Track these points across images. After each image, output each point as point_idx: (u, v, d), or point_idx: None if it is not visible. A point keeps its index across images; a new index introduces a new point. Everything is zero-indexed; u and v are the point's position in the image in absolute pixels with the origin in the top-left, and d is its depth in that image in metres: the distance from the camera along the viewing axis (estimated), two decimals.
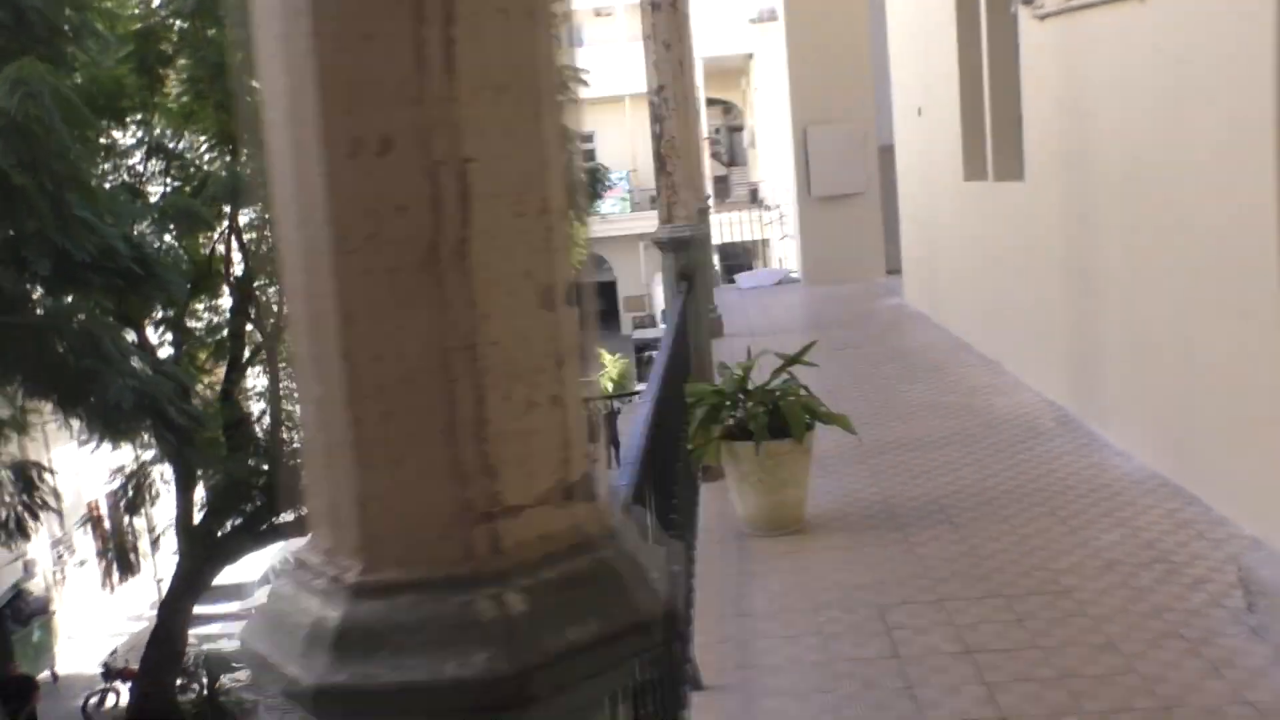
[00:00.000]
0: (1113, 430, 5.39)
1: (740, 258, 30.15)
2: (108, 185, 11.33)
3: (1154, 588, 3.69)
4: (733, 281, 13.56)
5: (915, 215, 9.78)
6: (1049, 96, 5.96)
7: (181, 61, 11.48)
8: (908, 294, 10.26)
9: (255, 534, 12.46)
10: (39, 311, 8.10)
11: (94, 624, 15.55)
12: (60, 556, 13.35)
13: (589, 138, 34.02)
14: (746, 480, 4.52)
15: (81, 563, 12.83)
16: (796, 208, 12.49)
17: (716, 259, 30.23)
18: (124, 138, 11.87)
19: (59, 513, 9.65)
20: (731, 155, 32.39)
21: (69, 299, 8.06)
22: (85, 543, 15.53)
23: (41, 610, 14.51)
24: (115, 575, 13.63)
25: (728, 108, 32.28)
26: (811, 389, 7.01)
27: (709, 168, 30.56)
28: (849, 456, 5.51)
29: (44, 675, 14.33)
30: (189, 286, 12.11)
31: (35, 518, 9.04)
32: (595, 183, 13.16)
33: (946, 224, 8.60)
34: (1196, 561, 3.86)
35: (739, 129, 31.86)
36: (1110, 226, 5.26)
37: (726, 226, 30.23)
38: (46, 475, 9.39)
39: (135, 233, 8.93)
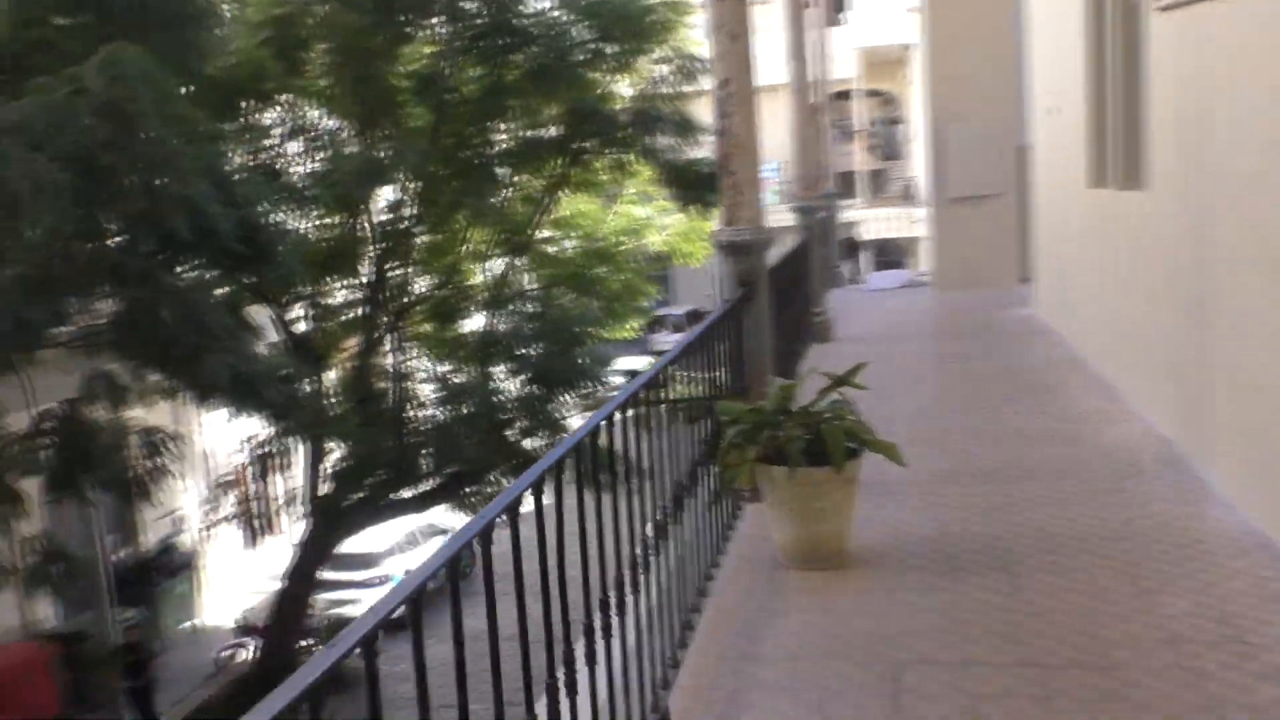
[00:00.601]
0: (1218, 476, 4.75)
1: (893, 254, 29.20)
2: (247, 166, 11.70)
3: (1217, 673, 3.15)
4: (862, 282, 13.00)
5: (1046, 221, 9.06)
6: (1172, 98, 5.30)
7: (320, 46, 11.71)
8: (1036, 305, 9.54)
9: (377, 507, 12.68)
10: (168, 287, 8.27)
11: (236, 580, 16.20)
12: (207, 514, 13.91)
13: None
14: (782, 507, 4.14)
15: (213, 525, 13.30)
16: (931, 207, 11.84)
17: (866, 256, 29.41)
18: (265, 119, 12.19)
19: (175, 477, 9.93)
20: (889, 149, 31.32)
21: (205, 276, 8.26)
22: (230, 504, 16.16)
23: (188, 565, 15.18)
24: (256, 536, 14.13)
25: (886, 99, 31.21)
26: (902, 404, 6.56)
27: (861, 160, 29.66)
28: (915, 484, 5.04)
29: (186, 626, 15.01)
30: (322, 265, 12.41)
31: (156, 482, 9.32)
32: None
33: (1072, 232, 7.90)
34: (1277, 647, 3.29)
35: (897, 122, 30.77)
36: (1228, 248, 4.61)
37: (879, 223, 29.37)
38: (173, 441, 9.65)
39: (261, 213, 9.05)
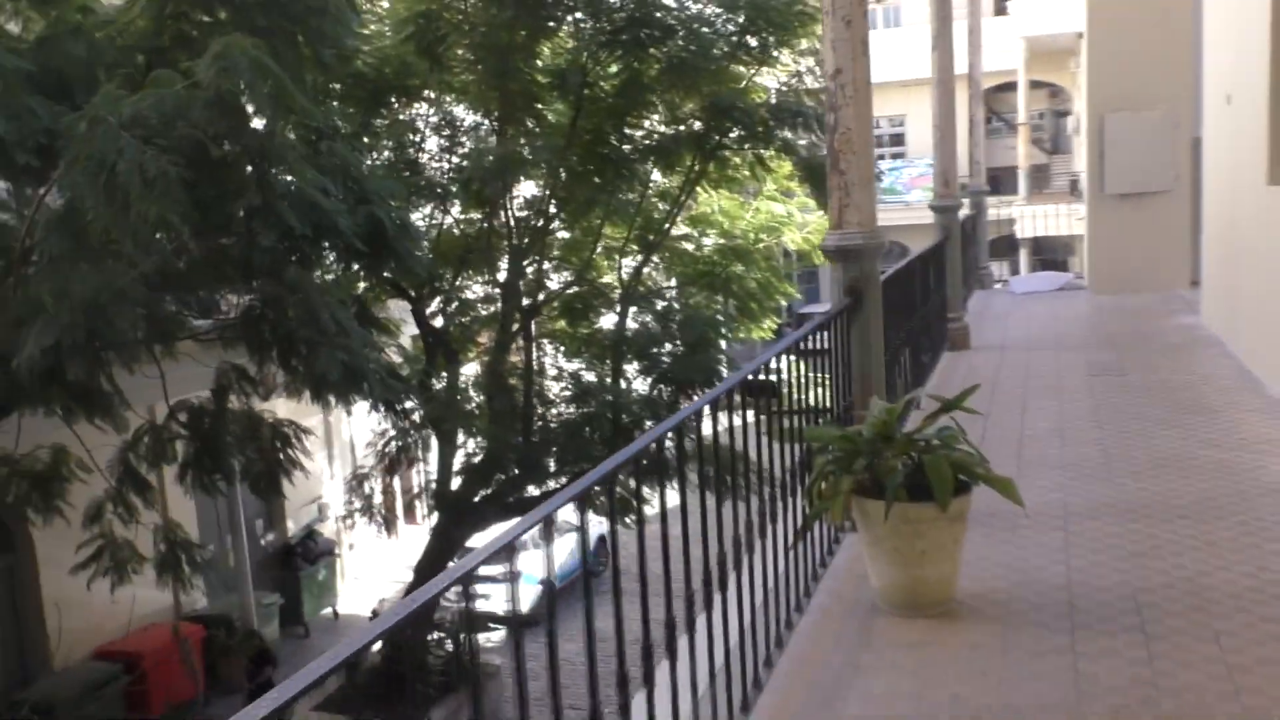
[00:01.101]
0: None
1: (1056, 253, 27.65)
2: (387, 162, 11.75)
3: None
4: (1008, 284, 12.12)
5: (1217, 220, 8.15)
6: None
7: (463, 42, 11.64)
8: (1204, 312, 8.61)
9: (504, 504, 12.58)
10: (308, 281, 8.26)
11: (375, 569, 16.46)
12: (350, 502, 14.13)
13: (899, 121, 32.42)
14: (879, 546, 3.65)
15: (349, 516, 13.47)
16: (1087, 204, 10.91)
17: (1024, 254, 27.94)
18: (412, 115, 12.22)
19: (304, 469, 10.00)
20: (1055, 142, 29.70)
21: (324, 271, 8.26)
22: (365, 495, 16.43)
23: (328, 551, 15.48)
24: (390, 527, 14.26)
25: (1054, 91, 29.60)
26: (1037, 422, 5.91)
27: (1023, 154, 28.21)
28: (1042, 519, 4.44)
29: (326, 612, 15.31)
30: (459, 260, 12.39)
31: (287, 474, 9.39)
32: None
33: (1247, 234, 7.03)
34: None
35: (1065, 114, 29.14)
36: None
37: (1041, 219, 27.84)
38: (305, 434, 9.71)
39: (395, 208, 9.01)
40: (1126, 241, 10.35)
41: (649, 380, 11.95)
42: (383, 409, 9.22)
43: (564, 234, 13.18)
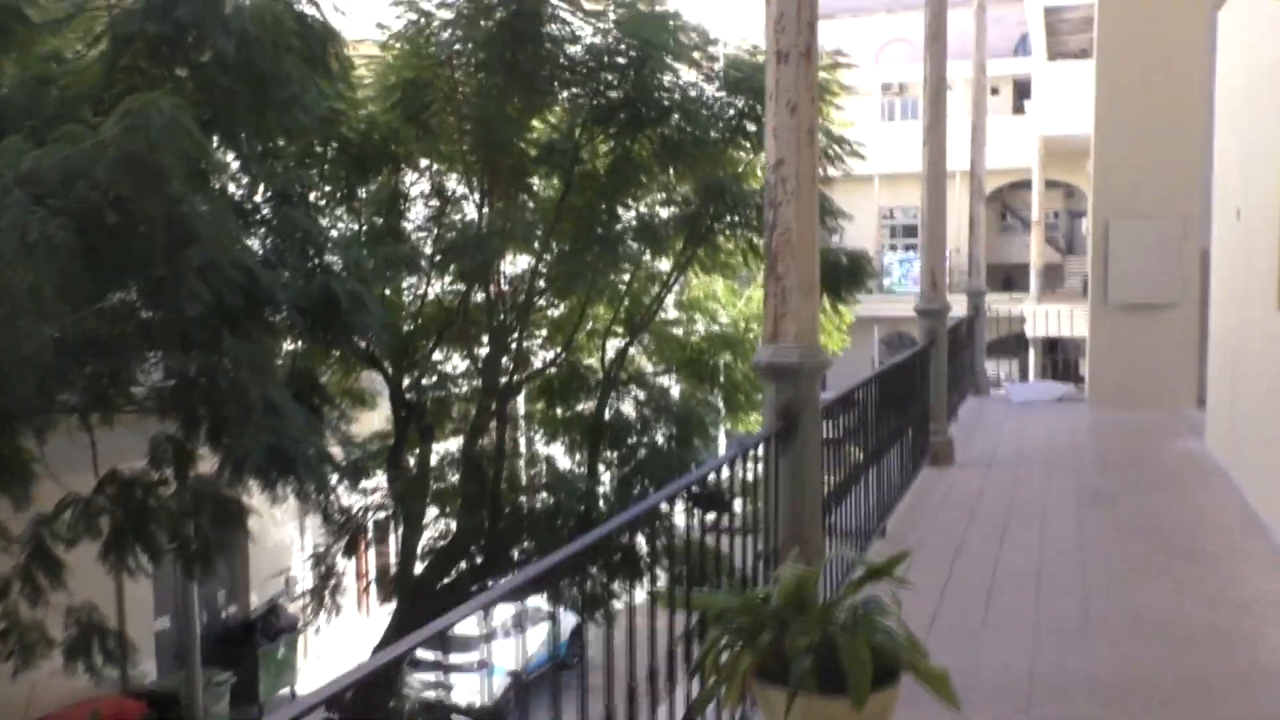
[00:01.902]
0: None
1: (1069, 352, 26.92)
2: (373, 229, 11.23)
3: None
4: (1003, 389, 11.40)
5: (1225, 340, 7.47)
6: None
7: (451, 111, 11.21)
8: (1209, 437, 7.89)
9: (465, 595, 11.85)
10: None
11: (339, 648, 15.64)
12: (314, 579, 13.36)
13: (913, 213, 32.03)
14: None
15: (310, 593, 12.72)
16: (1090, 313, 10.25)
17: (1033, 353, 27.24)
18: (395, 182, 11.75)
19: (238, 549, 9.35)
20: (1070, 243, 29.19)
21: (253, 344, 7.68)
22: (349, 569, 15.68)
23: (291, 628, 14.69)
24: (335, 609, 13.49)
25: (1069, 191, 29.18)
26: (1013, 560, 5.19)
27: (1036, 253, 27.68)
28: (996, 697, 3.71)
29: (284, 692, 14.48)
30: (439, 333, 11.81)
31: (220, 553, 8.71)
32: (857, 270, 11.56)
33: (1255, 360, 6.34)
34: None
35: (1080, 214, 28.65)
36: None
37: (1054, 319, 27.17)
38: (251, 512, 9.05)
39: (347, 279, 8.46)
40: (1129, 354, 9.67)
41: (623, 471, 11.28)
42: (312, 494, 8.58)
43: (553, 312, 12.63)
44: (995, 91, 31.31)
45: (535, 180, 11.79)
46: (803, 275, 3.75)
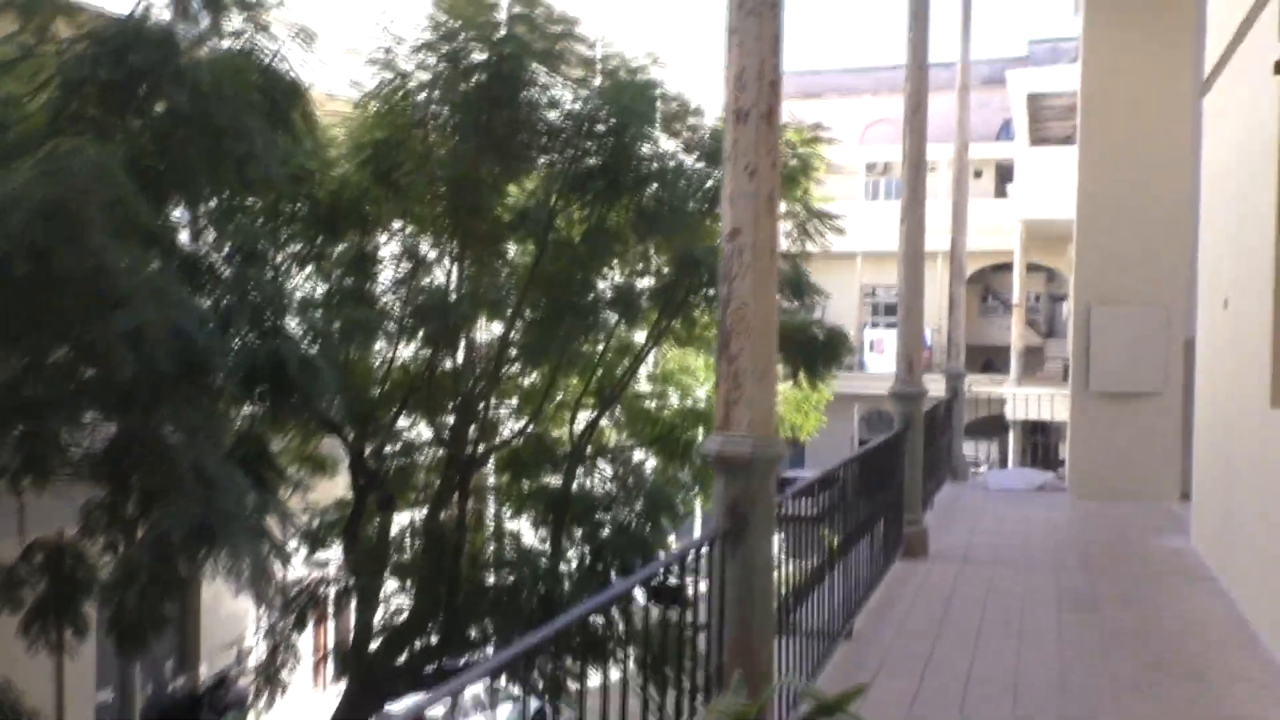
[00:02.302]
0: None
1: (1050, 435, 26.64)
2: (342, 291, 10.85)
3: None
4: (981, 475, 11.01)
5: (1210, 433, 7.13)
6: None
7: (424, 172, 10.93)
8: (1195, 534, 7.50)
9: (420, 673, 11.26)
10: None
11: None
12: (268, 654, 12.71)
13: (871, 292, 32.07)
14: None
15: (259, 670, 12.09)
16: (1071, 401, 9.92)
17: (1013, 439, 26.94)
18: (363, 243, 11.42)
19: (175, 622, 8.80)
20: (1050, 326, 29.10)
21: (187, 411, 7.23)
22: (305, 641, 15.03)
23: (240, 702, 13.99)
24: (281, 687, 12.84)
25: (1050, 275, 29.16)
26: (982, 667, 4.76)
27: (1017, 335, 27.54)
28: None
29: None
30: (403, 400, 11.38)
31: (157, 626, 8.17)
32: (835, 345, 11.21)
33: (1245, 458, 5.99)
34: None
35: (1061, 298, 28.61)
36: None
37: (1034, 403, 26.97)
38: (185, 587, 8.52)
39: (298, 344, 8.07)
40: (1111, 444, 9.32)
41: (584, 550, 10.80)
42: (245, 573, 8.08)
43: (525, 381, 12.23)
44: (978, 175, 31.48)
45: (510, 246, 11.49)
46: (758, 357, 3.38)
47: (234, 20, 7.42)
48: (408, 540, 11.78)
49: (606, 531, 10.71)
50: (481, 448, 11.82)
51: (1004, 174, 29.08)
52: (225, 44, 7.26)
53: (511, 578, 10.54)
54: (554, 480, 11.81)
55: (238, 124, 7.18)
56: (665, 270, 11.12)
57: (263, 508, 7.79)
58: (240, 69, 7.32)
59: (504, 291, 11.10)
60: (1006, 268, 28.74)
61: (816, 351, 11.11)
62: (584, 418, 12.11)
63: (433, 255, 11.57)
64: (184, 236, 8.73)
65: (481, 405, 11.80)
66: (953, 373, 10.77)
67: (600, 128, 10.89)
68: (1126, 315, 9.28)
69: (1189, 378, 8.64)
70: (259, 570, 7.86)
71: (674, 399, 12.51)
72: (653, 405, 12.70)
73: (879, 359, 30.89)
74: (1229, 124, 6.86)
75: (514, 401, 12.27)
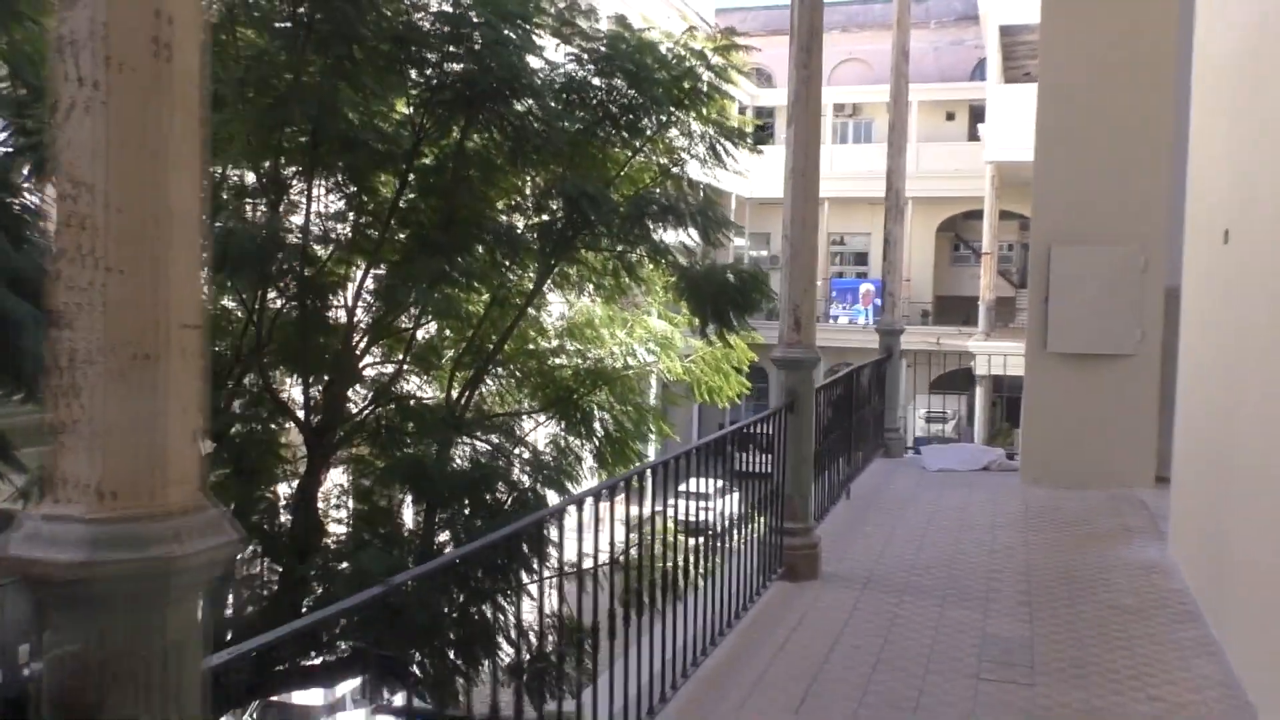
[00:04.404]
0: None
1: (1019, 393, 24.80)
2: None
3: None
4: (918, 452, 8.98)
5: (1199, 408, 5.14)
6: None
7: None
8: (1174, 542, 5.55)
9: (270, 677, 9.35)
10: None
11: None
12: None
13: (839, 240, 30.04)
14: None
15: None
16: (1025, 363, 7.90)
17: (980, 394, 25.05)
18: None
19: None
20: (1024, 276, 27.02)
21: None
22: None
23: None
24: None
25: (1025, 223, 27.00)
26: None
27: (986, 285, 25.54)
28: None
29: None
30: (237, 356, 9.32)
31: None
32: (751, 289, 9.11)
33: (1251, 440, 3.99)
34: None
35: None
36: None
37: (1003, 357, 25.09)
38: None
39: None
40: (1072, 418, 7.33)
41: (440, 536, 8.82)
42: None
43: (422, 335, 10.17)
44: (951, 117, 29.25)
45: (381, 178, 9.36)
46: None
47: None
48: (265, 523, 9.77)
49: (475, 520, 8.72)
50: (361, 413, 9.78)
51: (978, 116, 26.85)
52: None
53: (348, 568, 8.57)
54: (424, 450, 9.80)
55: None
56: (541, 204, 9.05)
57: None
58: None
59: (366, 231, 9.05)
60: (979, 215, 26.67)
61: (728, 297, 9.05)
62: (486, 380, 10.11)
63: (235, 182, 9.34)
64: None
65: (364, 364, 9.76)
66: (887, 328, 8.74)
67: (474, 33, 8.71)
68: (1094, 255, 7.24)
69: (1170, 335, 6.64)
70: None
71: (570, 358, 10.45)
72: (552, 364, 10.65)
73: (848, 310, 28.92)
74: (1238, 2, 4.79)
75: (403, 360, 10.19)
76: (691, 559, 4.23)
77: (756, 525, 4.85)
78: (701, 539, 4.46)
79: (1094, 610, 4.74)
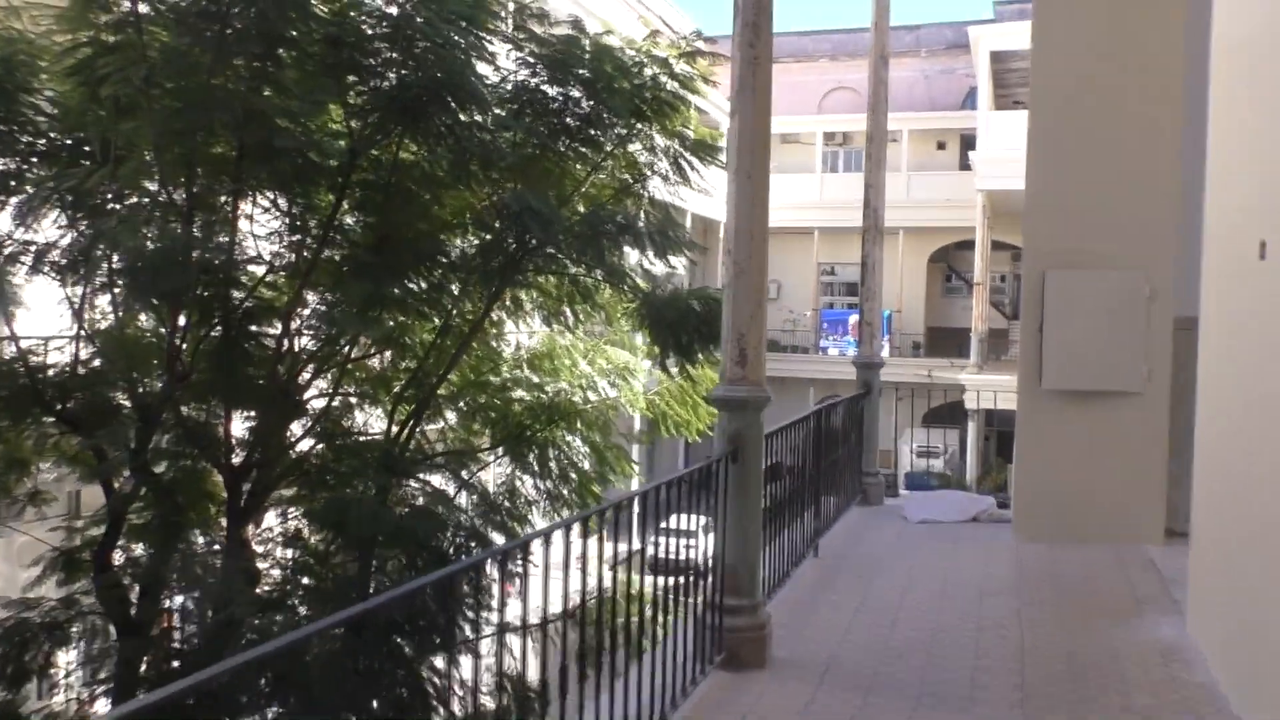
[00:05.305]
0: None
1: (1014, 425, 23.87)
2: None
3: None
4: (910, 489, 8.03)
5: (1225, 455, 4.22)
6: None
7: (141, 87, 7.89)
8: (1193, 615, 4.62)
9: None
10: None
11: None
12: None
13: (830, 270, 29.20)
14: None
15: None
16: (1018, 401, 6.98)
17: (973, 429, 24.13)
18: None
19: None
20: (1017, 308, 26.20)
21: None
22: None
23: None
24: None
25: (1019, 254, 26.24)
26: None
27: (978, 316, 24.73)
28: None
29: None
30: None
31: None
32: (716, 317, 8.20)
33: None
34: None
35: None
36: None
37: (996, 390, 24.20)
38: None
39: None
40: (1070, 464, 6.40)
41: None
42: None
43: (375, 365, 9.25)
44: (942, 146, 28.55)
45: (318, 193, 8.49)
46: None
47: None
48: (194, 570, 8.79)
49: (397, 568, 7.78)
50: (304, 446, 8.85)
51: (969, 145, 26.15)
52: None
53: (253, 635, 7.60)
54: (357, 491, 8.85)
55: None
56: (484, 222, 8.17)
57: None
58: None
59: (302, 252, 8.20)
60: (971, 245, 25.90)
61: (691, 326, 8.15)
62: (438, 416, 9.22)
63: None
64: None
65: (311, 396, 8.86)
66: (864, 362, 7.82)
67: (416, 35, 7.87)
68: (1093, 282, 6.34)
69: (1184, 373, 5.73)
70: None
71: (523, 391, 9.52)
72: (504, 399, 9.72)
73: (839, 342, 28.05)
74: None
75: (333, 392, 9.27)
76: (608, 641, 3.33)
77: (689, 601, 3.93)
78: (620, 618, 3.55)
79: (1102, 702, 3.79)
